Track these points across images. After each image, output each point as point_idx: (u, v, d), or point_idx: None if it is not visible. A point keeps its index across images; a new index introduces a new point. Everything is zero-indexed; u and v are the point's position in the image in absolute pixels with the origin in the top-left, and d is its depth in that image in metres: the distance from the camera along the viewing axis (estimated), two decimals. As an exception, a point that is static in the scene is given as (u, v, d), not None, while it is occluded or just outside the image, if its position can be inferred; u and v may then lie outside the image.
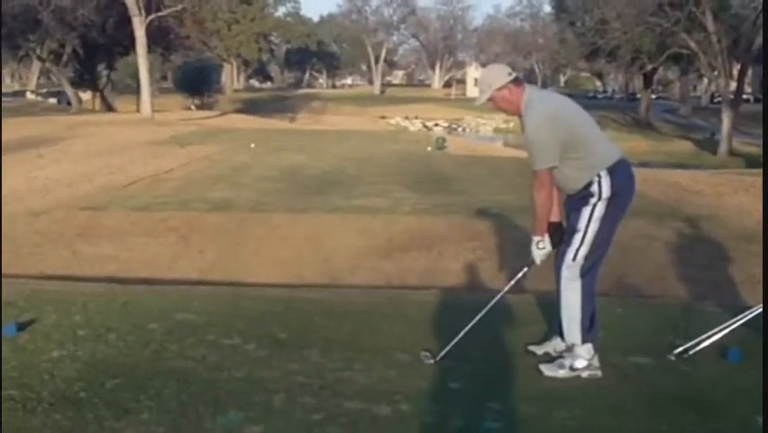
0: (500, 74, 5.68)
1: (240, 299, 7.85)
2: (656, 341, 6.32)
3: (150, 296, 7.98)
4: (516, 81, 5.64)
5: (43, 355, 5.71)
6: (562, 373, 5.63)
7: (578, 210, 5.63)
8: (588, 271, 5.64)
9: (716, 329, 6.02)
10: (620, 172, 5.61)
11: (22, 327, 6.29)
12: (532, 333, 6.43)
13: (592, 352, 5.66)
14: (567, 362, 5.68)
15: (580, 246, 5.59)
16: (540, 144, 5.50)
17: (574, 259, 5.61)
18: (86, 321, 6.63)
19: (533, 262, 5.83)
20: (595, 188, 5.54)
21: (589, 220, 5.57)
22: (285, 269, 12.29)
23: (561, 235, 5.75)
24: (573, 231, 5.63)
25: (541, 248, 5.73)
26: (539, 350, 6.06)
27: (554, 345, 6.01)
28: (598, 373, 5.62)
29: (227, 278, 11.54)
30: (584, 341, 5.65)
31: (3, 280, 8.35)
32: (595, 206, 5.56)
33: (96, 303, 7.30)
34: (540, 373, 5.65)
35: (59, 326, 6.46)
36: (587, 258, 5.60)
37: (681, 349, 5.95)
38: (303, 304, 7.66)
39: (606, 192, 5.54)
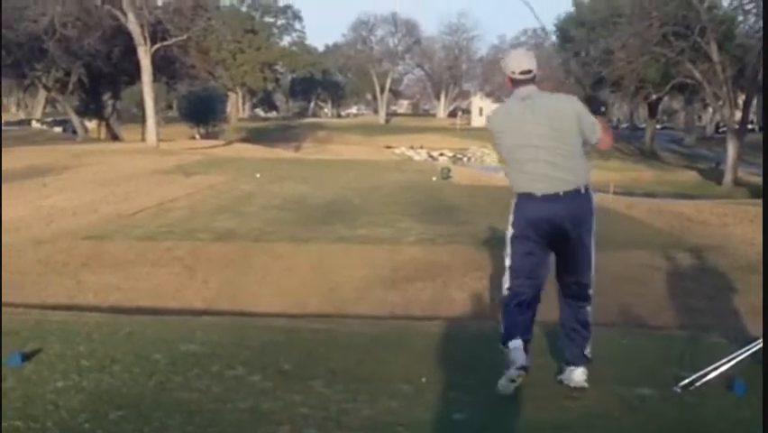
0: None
1: (244, 330, 7.84)
2: (661, 372, 6.29)
3: (155, 326, 7.97)
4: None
5: (48, 386, 5.69)
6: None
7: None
8: None
9: (721, 361, 5.99)
10: None
11: (27, 357, 6.28)
12: (539, 363, 6.39)
13: None
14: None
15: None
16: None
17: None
18: (91, 351, 6.62)
19: None
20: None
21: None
22: (289, 299, 12.29)
23: None
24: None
25: None
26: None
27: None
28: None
29: (232, 308, 11.54)
30: None
31: (7, 309, 8.36)
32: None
33: (101, 333, 7.30)
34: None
35: (63, 356, 6.45)
36: None
37: (686, 381, 5.90)
38: (307, 334, 7.65)
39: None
